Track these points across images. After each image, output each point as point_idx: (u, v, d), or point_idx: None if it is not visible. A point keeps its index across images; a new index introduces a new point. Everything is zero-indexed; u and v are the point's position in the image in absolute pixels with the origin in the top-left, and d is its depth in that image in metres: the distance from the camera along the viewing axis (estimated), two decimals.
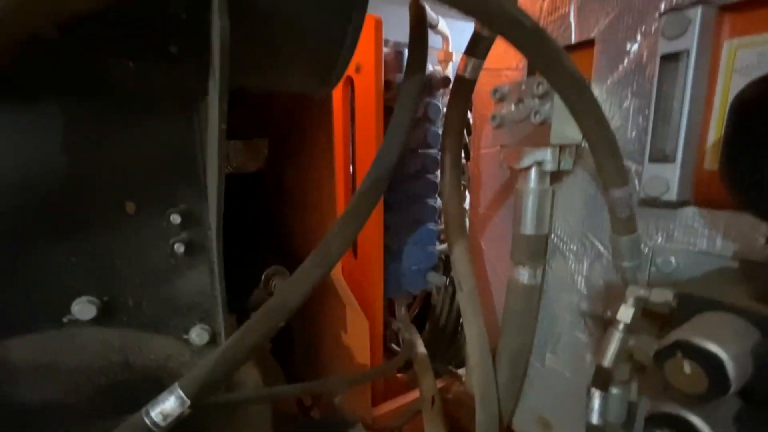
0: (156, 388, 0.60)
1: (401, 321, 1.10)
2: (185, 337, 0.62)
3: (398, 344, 1.22)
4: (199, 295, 0.61)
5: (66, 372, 0.54)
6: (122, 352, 0.58)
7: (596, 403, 0.46)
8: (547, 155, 0.61)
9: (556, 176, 0.66)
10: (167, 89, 0.48)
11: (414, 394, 1.02)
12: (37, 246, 0.50)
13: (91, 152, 0.51)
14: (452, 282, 1.20)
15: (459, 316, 1.27)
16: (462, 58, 0.69)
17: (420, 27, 0.65)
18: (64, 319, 0.54)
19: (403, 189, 0.96)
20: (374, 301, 0.99)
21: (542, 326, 0.73)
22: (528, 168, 0.64)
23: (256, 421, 0.68)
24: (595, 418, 0.46)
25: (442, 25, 1.07)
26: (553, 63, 0.36)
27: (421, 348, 0.98)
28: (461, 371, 1.09)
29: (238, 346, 0.42)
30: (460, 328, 1.27)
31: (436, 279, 1.08)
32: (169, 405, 0.39)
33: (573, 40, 0.63)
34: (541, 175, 0.64)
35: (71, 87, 0.47)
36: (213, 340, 0.63)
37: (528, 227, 0.67)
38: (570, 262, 0.67)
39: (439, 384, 0.99)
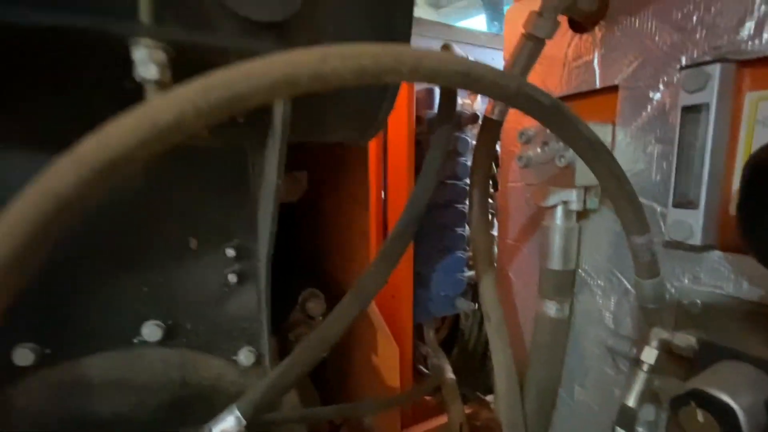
0: (207, 404, 0.66)
1: (429, 345, 1.12)
2: (234, 358, 0.68)
3: (426, 366, 1.25)
4: (247, 320, 0.68)
5: (134, 387, 0.61)
6: (180, 371, 0.65)
7: None
8: (572, 196, 0.64)
9: (583, 213, 0.69)
10: (230, 144, 0.56)
11: (442, 419, 1.04)
12: (115, 276, 0.58)
13: (163, 195, 0.59)
14: (481, 308, 1.22)
15: (488, 342, 1.28)
16: (489, 101, 0.73)
17: None
18: (135, 340, 0.61)
19: (433, 218, 1.01)
20: (404, 325, 1.03)
21: (571, 359, 0.74)
22: (554, 206, 0.67)
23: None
24: None
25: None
26: (571, 132, 0.40)
27: (450, 374, 1.00)
28: (489, 398, 1.10)
29: (287, 374, 0.47)
30: (489, 353, 1.27)
31: (464, 305, 1.10)
32: (228, 424, 0.44)
33: (597, 85, 0.66)
34: (567, 213, 0.67)
35: None
36: (258, 362, 0.69)
37: (555, 262, 0.69)
38: (597, 297, 0.68)
39: (468, 410, 1.01)
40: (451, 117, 0.64)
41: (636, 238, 0.47)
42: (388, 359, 0.91)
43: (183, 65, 0.33)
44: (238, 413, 0.45)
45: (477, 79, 0.34)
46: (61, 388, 0.57)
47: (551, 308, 0.71)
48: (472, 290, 1.18)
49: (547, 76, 0.75)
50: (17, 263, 0.20)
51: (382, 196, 1.10)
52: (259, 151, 0.57)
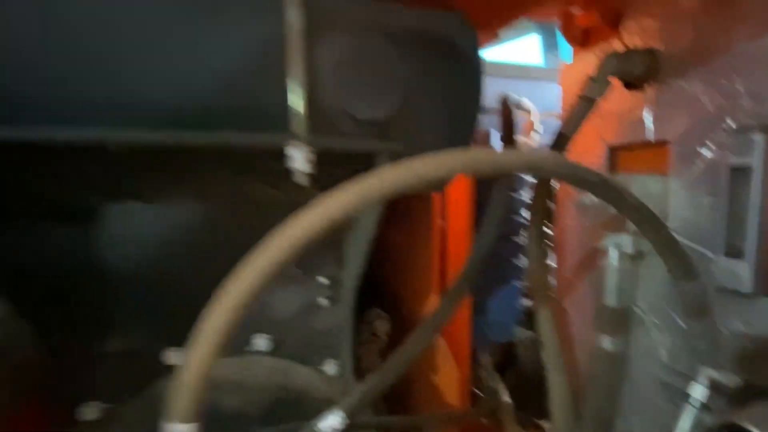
0: (299, 406, 0.79)
1: (485, 369, 1.19)
2: (321, 368, 0.81)
3: (480, 389, 1.30)
4: (333, 337, 0.81)
5: (245, 387, 0.76)
6: (279, 376, 0.79)
7: None
8: (626, 240, 0.70)
9: (638, 255, 0.74)
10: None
11: None
12: None
13: None
14: (537, 336, 1.26)
15: (544, 368, 1.31)
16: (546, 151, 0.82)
17: (509, 124, 0.80)
18: (246, 349, 0.76)
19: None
20: (461, 349, 1.11)
21: (627, 391, 0.79)
22: (609, 248, 0.74)
23: None
24: None
25: (527, 103, 1.21)
26: (618, 200, 0.48)
27: (506, 397, 1.06)
28: (544, 423, 1.13)
29: (376, 386, 0.59)
30: (544, 380, 1.30)
31: (520, 332, 1.16)
32: (335, 421, 0.56)
33: (650, 138, 0.73)
34: (622, 255, 0.73)
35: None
36: (341, 373, 0.82)
37: (611, 299, 0.75)
38: (653, 333, 0.73)
39: None
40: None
41: (683, 284, 0.53)
42: (449, 379, 0.99)
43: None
44: (342, 413, 0.57)
45: (540, 167, 0.44)
46: None
47: (607, 342, 0.76)
48: (528, 318, 1.23)
49: (603, 127, 0.82)
50: (252, 296, 0.33)
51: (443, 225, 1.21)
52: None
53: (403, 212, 1.08)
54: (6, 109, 0.39)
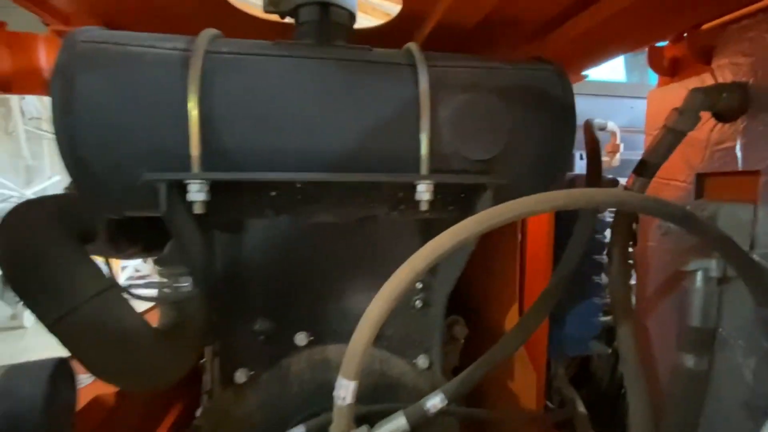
0: (394, 393, 0.93)
1: (559, 381, 1.23)
2: (414, 361, 0.95)
3: (552, 402, 1.34)
4: (425, 334, 0.94)
5: None
6: (380, 365, 0.93)
7: None
8: (711, 264, 0.74)
9: (724, 278, 0.77)
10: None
11: None
12: (352, 296, 0.90)
13: (390, 248, 0.89)
14: (614, 352, 1.28)
15: (620, 385, 1.31)
16: (630, 177, 0.87)
17: (593, 148, 0.87)
18: None
19: None
20: (538, 357, 1.17)
21: (709, 411, 0.81)
22: (694, 271, 0.77)
23: (449, 429, 0.94)
24: None
25: (611, 125, 1.25)
26: (703, 230, 0.54)
27: (582, 408, 1.10)
28: None
29: (468, 380, 0.70)
30: (620, 396, 1.31)
31: (597, 347, 1.19)
32: (437, 400, 0.68)
33: (739, 167, 0.76)
34: (707, 279, 0.76)
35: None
36: (430, 367, 0.94)
37: (695, 320, 0.78)
38: (738, 355, 0.75)
39: None
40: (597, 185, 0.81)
41: (763, 311, 0.57)
42: (526, 384, 1.07)
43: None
44: (443, 395, 0.69)
45: (628, 203, 0.53)
46: (315, 363, 0.90)
47: (689, 361, 0.80)
48: (606, 335, 1.26)
49: (690, 154, 0.86)
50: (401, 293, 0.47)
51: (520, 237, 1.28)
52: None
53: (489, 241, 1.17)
54: (229, 161, 0.59)
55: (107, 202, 0.63)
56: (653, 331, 0.98)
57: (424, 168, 0.61)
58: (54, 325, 0.68)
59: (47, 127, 6.58)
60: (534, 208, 0.47)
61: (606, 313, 1.20)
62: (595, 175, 0.87)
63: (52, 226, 0.70)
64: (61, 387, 0.42)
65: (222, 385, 0.88)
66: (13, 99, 6.01)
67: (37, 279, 0.67)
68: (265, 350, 0.87)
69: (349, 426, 0.54)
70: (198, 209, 0.58)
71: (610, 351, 1.26)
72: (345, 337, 0.93)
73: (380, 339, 0.93)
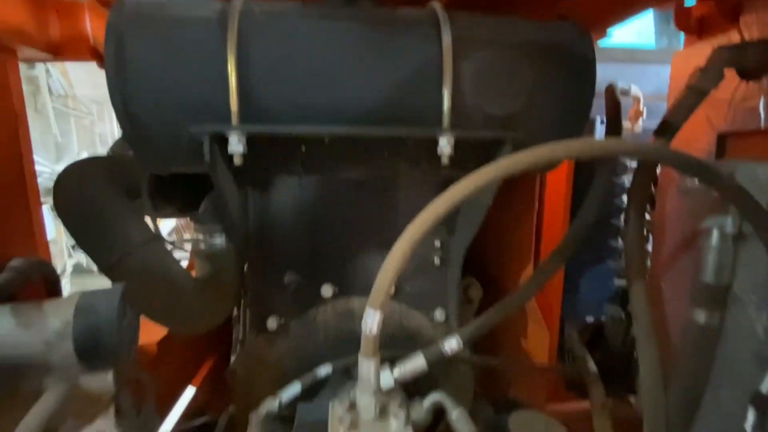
0: (412, 343, 0.99)
1: (572, 342, 1.28)
2: (431, 314, 1.00)
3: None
4: (442, 290, 0.99)
5: None
6: (399, 316, 0.99)
7: (751, 418, 0.61)
8: (727, 221, 0.75)
9: (739, 235, 0.78)
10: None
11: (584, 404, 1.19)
12: (375, 252, 0.95)
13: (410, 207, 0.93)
14: (627, 316, 1.31)
15: (632, 349, 1.35)
16: (651, 138, 0.88)
17: (614, 113, 0.88)
18: None
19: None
20: (552, 316, 1.21)
21: (719, 365, 0.84)
22: (710, 228, 0.79)
23: (464, 377, 1.00)
24: (748, 429, 0.61)
25: (634, 89, 1.23)
26: (717, 181, 0.56)
27: (592, 365, 1.15)
28: (631, 398, 1.19)
29: (480, 326, 0.75)
30: (633, 359, 1.35)
31: (611, 310, 1.22)
32: (453, 343, 0.74)
33: (762, 125, 0.76)
34: (723, 235, 0.78)
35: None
36: (446, 320, 1.00)
37: (708, 277, 0.80)
38: (750, 311, 0.77)
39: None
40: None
41: None
42: (539, 343, 1.11)
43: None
44: (459, 338, 0.74)
45: (644, 153, 0.55)
46: (340, 314, 0.97)
47: (701, 317, 0.82)
48: (621, 298, 1.28)
49: (712, 114, 0.86)
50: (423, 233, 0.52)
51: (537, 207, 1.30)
52: None
53: (505, 191, 1.20)
54: (264, 116, 0.64)
55: (156, 157, 0.69)
56: (667, 293, 1.00)
57: (446, 122, 0.65)
58: (108, 270, 0.76)
59: (73, 104, 6.78)
60: (551, 155, 0.50)
61: (621, 277, 1.22)
62: (614, 133, 0.87)
63: (102, 182, 0.77)
64: (127, 308, 0.48)
65: (255, 333, 0.96)
66: (41, 77, 6.20)
67: (92, 229, 0.75)
68: (294, 300, 0.94)
69: (375, 353, 0.60)
70: (237, 161, 0.63)
71: (623, 314, 1.29)
72: (367, 290, 0.99)
73: (400, 294, 0.99)
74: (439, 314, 1.00)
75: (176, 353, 1.26)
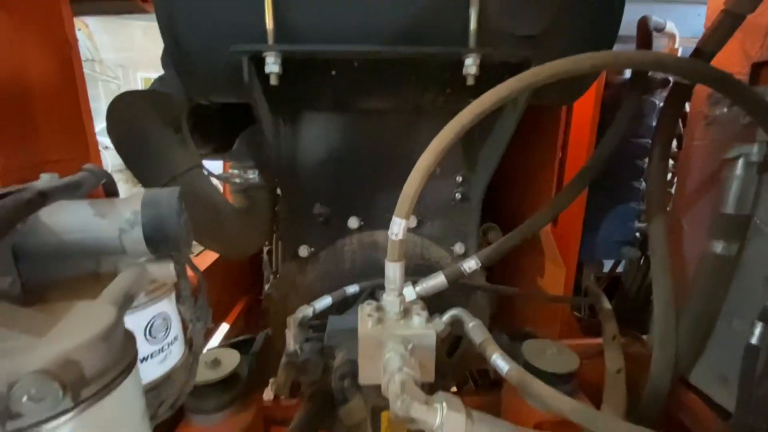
0: (433, 272, 1.05)
1: (589, 281, 1.31)
2: (451, 248, 1.06)
3: (579, 314, 1.43)
4: (462, 225, 1.03)
5: None
6: (420, 249, 1.05)
7: (758, 330, 0.64)
8: (753, 149, 0.75)
9: (764, 166, 0.78)
10: None
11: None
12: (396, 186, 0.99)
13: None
14: (646, 260, 1.33)
15: (648, 294, 1.37)
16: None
17: (645, 47, 0.86)
18: None
19: (612, 171, 1.17)
20: (568, 262, 1.25)
21: (734, 295, 0.86)
22: (735, 158, 0.79)
23: (482, 309, 1.07)
24: (754, 340, 0.64)
25: (670, 26, 1.18)
26: (741, 94, 0.56)
27: (606, 303, 1.19)
28: (644, 337, 1.23)
29: (498, 249, 0.80)
30: (649, 301, 1.38)
31: (630, 253, 1.24)
32: (473, 263, 0.79)
33: None
34: (748, 165, 0.78)
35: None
36: (465, 253, 1.05)
37: (730, 207, 0.81)
38: None
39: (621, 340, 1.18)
40: (642, 83, 0.82)
41: None
42: (555, 279, 1.16)
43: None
44: (478, 259, 0.80)
45: (664, 63, 0.56)
46: (365, 245, 1.04)
47: (718, 247, 0.84)
48: (640, 243, 1.30)
49: (747, 42, 0.83)
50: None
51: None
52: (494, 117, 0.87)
53: (527, 136, 1.20)
54: (298, 37, 0.67)
55: (198, 81, 0.75)
56: (688, 230, 1.01)
57: (472, 42, 0.66)
58: None
59: (100, 69, 6.91)
60: (572, 67, 0.51)
61: (642, 221, 1.23)
62: (642, 74, 0.86)
63: (150, 112, 0.84)
64: (183, 208, 0.55)
65: (288, 260, 1.04)
66: None
67: (142, 154, 0.82)
68: (323, 231, 1.01)
69: (401, 257, 0.66)
70: (273, 81, 0.68)
71: (641, 257, 1.31)
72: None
73: (422, 228, 1.04)
74: (458, 248, 1.05)
75: (212, 292, 1.38)
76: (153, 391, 0.61)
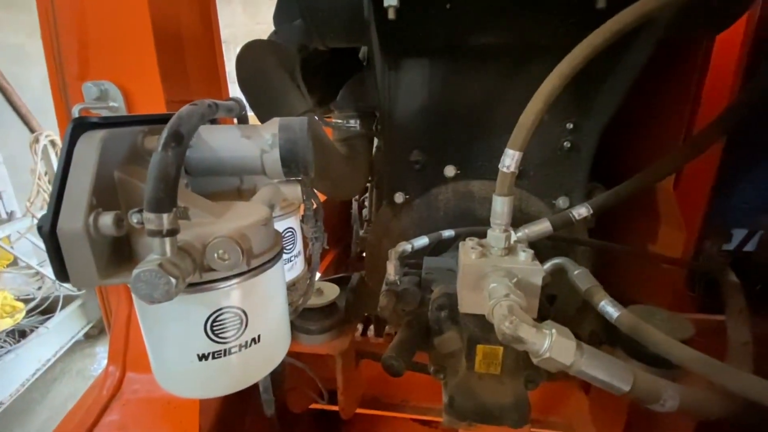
0: None
1: (712, 251, 1.16)
2: (553, 202, 1.00)
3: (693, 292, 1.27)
4: (568, 177, 0.97)
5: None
6: (519, 202, 1.01)
7: None
8: None
9: None
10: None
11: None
12: (497, 135, 0.96)
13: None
14: None
15: None
16: None
17: None
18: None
19: (756, 122, 0.99)
20: (690, 226, 1.11)
21: None
22: None
23: (581, 263, 1.00)
24: None
25: None
26: None
27: (732, 276, 1.04)
28: None
29: (617, 196, 0.74)
30: None
31: (767, 223, 1.06)
32: (584, 210, 0.75)
33: None
34: None
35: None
36: (569, 207, 0.99)
37: None
38: None
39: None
40: None
41: None
42: (672, 243, 1.04)
43: None
44: (588, 205, 0.75)
45: None
46: (459, 194, 1.04)
47: None
48: None
49: None
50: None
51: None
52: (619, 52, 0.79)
53: (651, 75, 1.06)
54: None
55: (320, 20, 0.80)
56: None
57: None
58: None
59: None
60: None
61: None
62: None
63: (272, 58, 0.92)
64: (310, 136, 0.61)
65: (383, 206, 1.09)
66: None
67: (264, 95, 0.91)
68: (419, 178, 1.03)
69: (510, 191, 0.65)
70: (391, 14, 0.69)
71: None
72: (488, 173, 1.03)
73: (522, 178, 1.00)
74: (562, 202, 0.99)
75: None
76: None
